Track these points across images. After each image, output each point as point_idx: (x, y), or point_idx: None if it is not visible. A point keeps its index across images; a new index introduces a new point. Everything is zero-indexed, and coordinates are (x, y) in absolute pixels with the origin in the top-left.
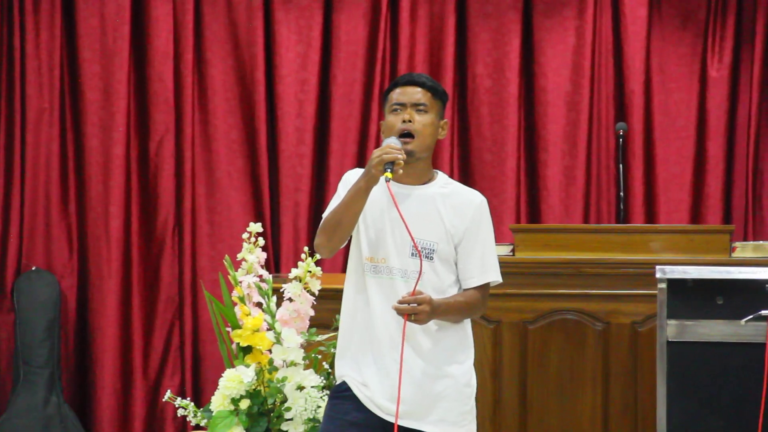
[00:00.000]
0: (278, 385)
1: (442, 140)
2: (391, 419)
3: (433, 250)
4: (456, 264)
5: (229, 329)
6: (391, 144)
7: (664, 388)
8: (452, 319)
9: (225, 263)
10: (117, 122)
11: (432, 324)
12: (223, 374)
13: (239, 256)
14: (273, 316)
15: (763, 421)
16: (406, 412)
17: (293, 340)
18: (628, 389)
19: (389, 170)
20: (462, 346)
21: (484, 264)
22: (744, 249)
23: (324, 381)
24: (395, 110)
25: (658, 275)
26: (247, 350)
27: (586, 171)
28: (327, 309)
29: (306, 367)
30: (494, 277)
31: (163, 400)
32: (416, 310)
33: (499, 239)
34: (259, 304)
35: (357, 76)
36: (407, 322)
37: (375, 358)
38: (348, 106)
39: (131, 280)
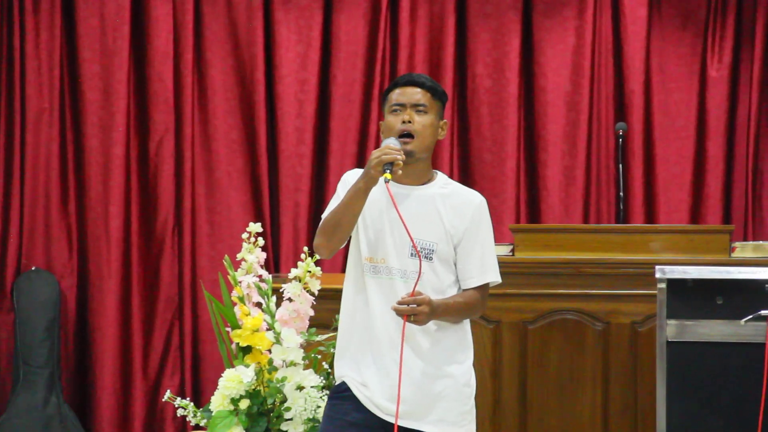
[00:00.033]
0: (278, 385)
1: (441, 140)
2: (391, 419)
3: (433, 251)
4: (455, 264)
5: (228, 329)
6: (390, 145)
7: (663, 388)
8: (451, 319)
9: (225, 263)
10: (117, 122)
11: (431, 324)
12: (222, 374)
13: (239, 256)
14: (273, 316)
15: (763, 421)
16: (405, 412)
17: (293, 340)
18: (628, 389)
19: (388, 171)
20: (461, 346)
21: (483, 264)
22: (744, 249)
23: (324, 381)
24: (395, 111)
25: (657, 275)
26: (247, 350)
27: (586, 171)
28: (327, 309)
29: (306, 367)
30: (493, 277)
31: (163, 400)
32: (415, 311)
33: (498, 239)
34: (258, 304)
35: (357, 76)
36: (407, 323)
37: (374, 359)
38: (348, 106)
39: (131, 280)
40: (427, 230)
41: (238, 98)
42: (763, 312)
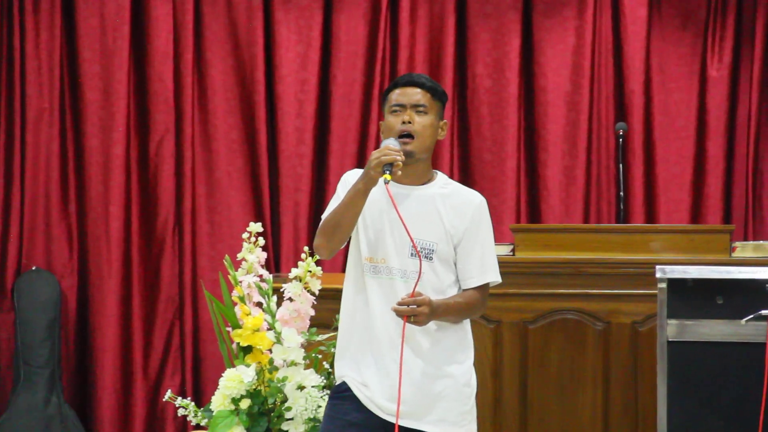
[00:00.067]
0: (279, 385)
1: (442, 140)
2: (391, 419)
3: (433, 251)
4: (455, 264)
5: (229, 329)
6: (390, 145)
7: (664, 387)
8: (452, 319)
9: (225, 263)
10: (117, 122)
11: (431, 324)
12: (223, 374)
13: (239, 255)
14: (273, 315)
15: (763, 421)
16: (406, 412)
17: (293, 339)
18: (629, 389)
19: (388, 172)
20: (461, 346)
21: (483, 264)
22: (744, 249)
23: (324, 381)
24: (395, 111)
25: (658, 275)
26: (248, 350)
27: (586, 171)
28: (327, 309)
29: (306, 367)
30: (493, 277)
31: (164, 399)
32: (415, 311)
33: (499, 239)
34: (259, 304)
35: (357, 76)
36: (407, 323)
37: (375, 359)
38: (348, 106)
39: (131, 280)
40: (427, 230)
41: (238, 98)
42: (764, 312)
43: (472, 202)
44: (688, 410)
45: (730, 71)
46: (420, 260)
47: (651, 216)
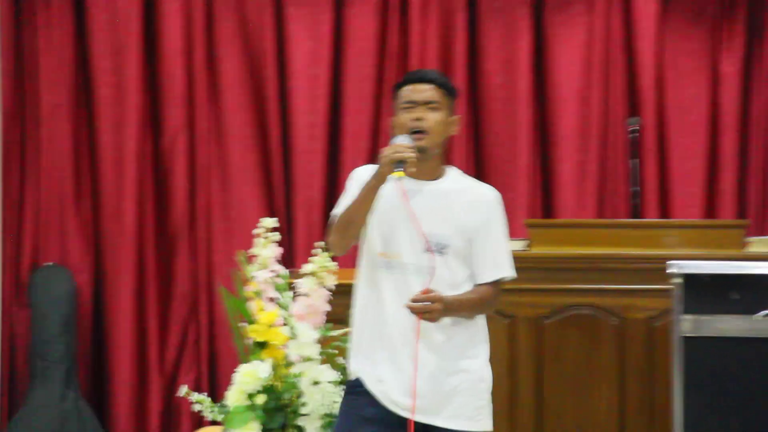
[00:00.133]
0: (294, 381)
1: (454, 136)
2: (407, 414)
3: (446, 246)
4: (469, 259)
5: (244, 324)
6: (401, 142)
7: (679, 382)
8: (465, 315)
9: (238, 259)
10: (130, 118)
11: (445, 319)
12: (238, 369)
13: (253, 251)
14: (288, 311)
15: None
16: (421, 407)
17: (308, 335)
18: (644, 384)
19: (400, 169)
20: (476, 341)
21: (497, 259)
22: (759, 244)
23: (341, 376)
24: (406, 108)
25: (672, 270)
26: (263, 345)
27: (599, 166)
28: (344, 304)
29: (322, 362)
30: (507, 272)
31: (179, 395)
32: (429, 308)
33: (512, 234)
34: (273, 299)
35: (368, 71)
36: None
37: (389, 354)
38: (360, 101)
39: (146, 276)
40: (441, 225)
41: (250, 94)
42: None
43: (486, 196)
44: (704, 405)
45: (743, 66)
46: (433, 256)
47: (665, 211)
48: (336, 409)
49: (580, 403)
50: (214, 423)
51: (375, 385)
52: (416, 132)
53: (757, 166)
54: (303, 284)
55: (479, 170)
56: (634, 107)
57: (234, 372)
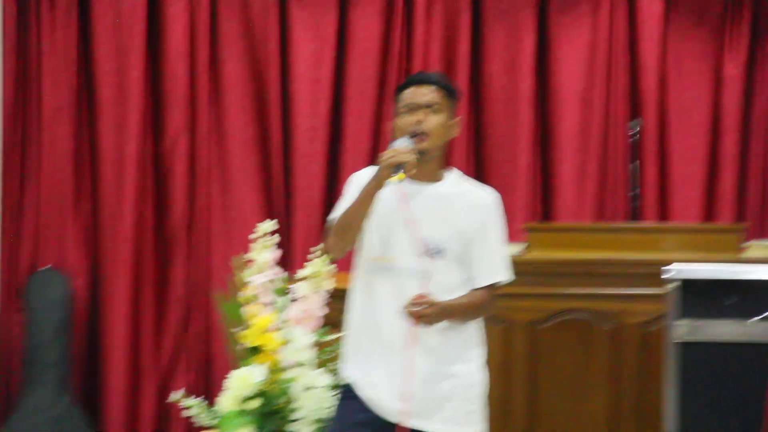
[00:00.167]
0: (287, 385)
1: (455, 138)
2: (398, 419)
3: (444, 249)
4: (466, 263)
5: (238, 329)
6: (401, 145)
7: (674, 387)
8: (461, 319)
9: (234, 263)
10: (131, 120)
11: (440, 323)
12: (231, 374)
13: (250, 255)
14: (283, 315)
15: None
16: (414, 412)
17: (303, 339)
18: (638, 389)
19: (398, 173)
20: (471, 345)
21: (493, 263)
22: (756, 248)
23: (334, 381)
24: (407, 111)
25: (668, 275)
26: (257, 350)
27: (600, 168)
28: (340, 308)
29: (317, 367)
30: (504, 276)
31: (172, 400)
32: (424, 312)
33: (511, 237)
34: (269, 304)
35: (371, 73)
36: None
37: (382, 358)
38: (362, 103)
39: (142, 280)
40: (438, 228)
41: (252, 96)
42: None
43: (485, 200)
44: (697, 410)
45: (745, 69)
46: (429, 260)
47: (664, 214)
48: (328, 414)
49: (575, 407)
50: (207, 428)
51: (368, 389)
52: (416, 135)
53: (757, 169)
54: (300, 288)
55: (479, 171)
56: (635, 109)
57: (227, 377)
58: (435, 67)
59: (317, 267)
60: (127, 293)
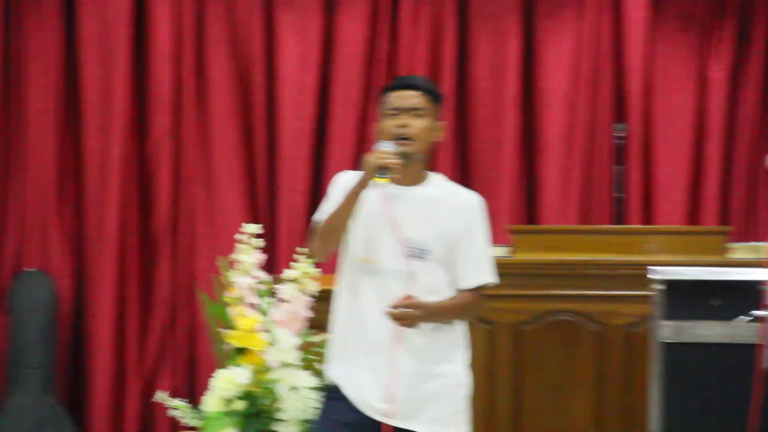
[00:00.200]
0: (272, 386)
1: (440, 142)
2: (384, 419)
3: (428, 251)
4: (451, 265)
5: (223, 330)
6: (385, 149)
7: (658, 389)
8: (445, 321)
9: (220, 264)
10: (116, 124)
11: (425, 324)
12: (217, 374)
13: (235, 257)
14: (268, 317)
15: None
16: (398, 412)
17: (288, 341)
18: (623, 390)
19: (382, 176)
20: (455, 346)
21: (478, 265)
22: (740, 250)
23: (319, 382)
24: (391, 114)
25: (653, 276)
26: (242, 351)
27: (584, 172)
28: (325, 310)
29: (302, 368)
30: (489, 278)
31: (156, 401)
32: (408, 314)
33: (495, 240)
34: (254, 305)
35: (356, 77)
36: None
37: (367, 359)
38: (347, 107)
39: (127, 282)
40: (422, 231)
41: (237, 100)
42: (758, 313)
43: (468, 202)
44: (683, 412)
45: (730, 73)
46: (412, 262)
47: (648, 217)
48: (314, 414)
49: (560, 409)
50: (191, 429)
51: (353, 390)
52: (401, 138)
53: (741, 173)
54: (284, 290)
55: (464, 176)
56: (620, 114)
57: (212, 378)
58: (421, 71)
59: (302, 269)
60: (111, 295)
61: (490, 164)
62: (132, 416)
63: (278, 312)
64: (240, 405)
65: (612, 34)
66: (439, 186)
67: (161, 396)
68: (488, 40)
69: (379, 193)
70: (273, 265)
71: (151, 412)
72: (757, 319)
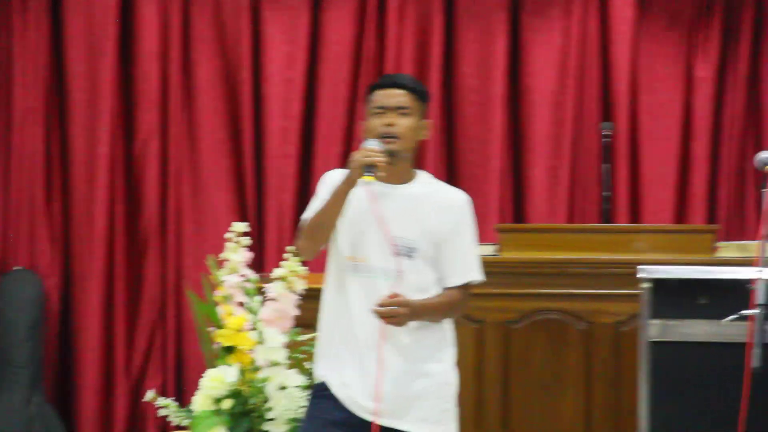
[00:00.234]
0: (260, 385)
1: (427, 140)
2: (371, 418)
3: (414, 249)
4: (438, 263)
5: (212, 329)
6: (371, 147)
7: (646, 387)
8: (432, 319)
9: (208, 263)
10: (102, 122)
11: (412, 322)
12: (206, 373)
13: (223, 255)
14: (256, 315)
15: (744, 421)
16: (385, 411)
17: (276, 339)
18: (611, 389)
19: (369, 173)
20: (442, 345)
21: (465, 263)
22: (727, 249)
23: (308, 381)
24: (377, 113)
25: (641, 275)
26: (230, 350)
27: (571, 171)
28: (313, 309)
29: (290, 367)
30: (475, 276)
31: (145, 400)
32: (395, 312)
33: (482, 238)
34: (242, 304)
35: (343, 75)
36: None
37: (355, 358)
38: (334, 105)
39: (115, 280)
40: (409, 229)
41: (224, 98)
42: (746, 312)
43: (455, 200)
44: (670, 410)
45: (716, 71)
46: (399, 260)
47: (636, 216)
48: (302, 413)
49: (547, 408)
50: (180, 428)
51: (340, 388)
52: (386, 137)
53: (728, 171)
54: (272, 289)
55: (451, 174)
56: (607, 112)
57: (201, 377)
58: (407, 70)
59: (290, 267)
60: (99, 293)
61: (477, 163)
62: (120, 415)
63: (266, 310)
64: (228, 404)
65: (599, 32)
66: (425, 184)
67: (150, 395)
68: (475, 38)
69: (366, 192)
70: (261, 264)
71: (139, 411)
72: (744, 317)
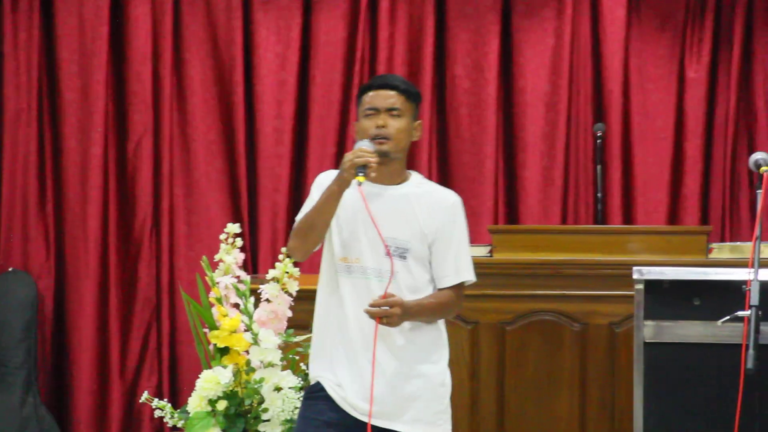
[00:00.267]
0: (255, 386)
1: (420, 141)
2: (366, 419)
3: (407, 250)
4: (430, 263)
5: (206, 330)
6: (363, 147)
7: (640, 388)
8: (426, 319)
9: (202, 264)
10: (95, 122)
11: (406, 323)
12: (200, 375)
13: (217, 257)
14: (250, 317)
15: (739, 422)
16: (380, 412)
17: (271, 341)
18: (606, 390)
19: (361, 174)
20: (436, 346)
21: (458, 264)
22: (721, 250)
23: (302, 382)
24: (369, 114)
25: (635, 276)
26: (224, 351)
27: (565, 172)
28: (305, 310)
29: (284, 368)
30: (468, 276)
31: (140, 401)
32: (388, 312)
33: (476, 240)
34: (236, 305)
35: (336, 76)
36: (380, 324)
37: (349, 359)
38: (327, 106)
39: (108, 281)
40: (401, 229)
41: (217, 99)
42: (740, 313)
43: (447, 201)
44: (665, 411)
45: (708, 72)
46: (392, 260)
47: (629, 217)
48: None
49: (542, 409)
50: (175, 429)
51: (334, 389)
52: (378, 138)
53: (721, 172)
54: (266, 290)
55: (444, 175)
56: (600, 113)
57: (196, 378)
58: (399, 71)
59: (284, 268)
60: (93, 294)
61: (470, 164)
62: (115, 416)
63: (260, 312)
64: (223, 405)
65: (591, 33)
66: (417, 185)
67: (144, 396)
68: (467, 39)
69: (359, 192)
70: (255, 265)
71: (134, 412)
72: (738, 319)
